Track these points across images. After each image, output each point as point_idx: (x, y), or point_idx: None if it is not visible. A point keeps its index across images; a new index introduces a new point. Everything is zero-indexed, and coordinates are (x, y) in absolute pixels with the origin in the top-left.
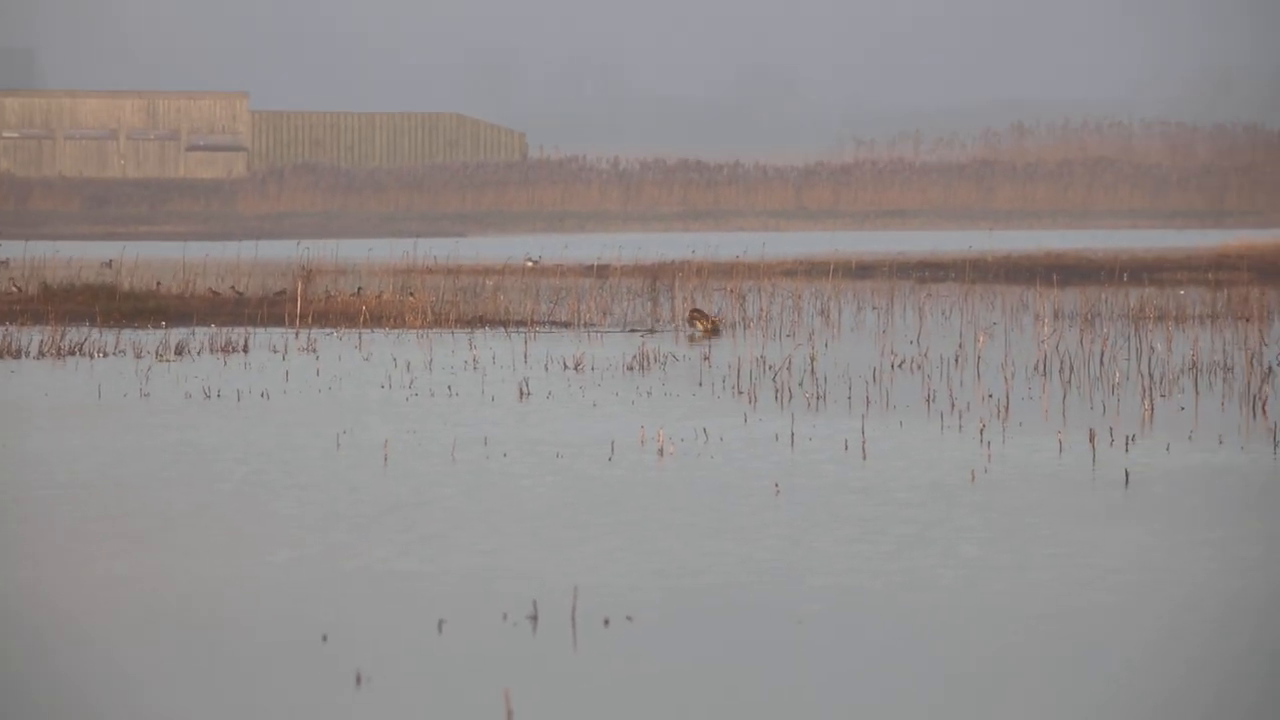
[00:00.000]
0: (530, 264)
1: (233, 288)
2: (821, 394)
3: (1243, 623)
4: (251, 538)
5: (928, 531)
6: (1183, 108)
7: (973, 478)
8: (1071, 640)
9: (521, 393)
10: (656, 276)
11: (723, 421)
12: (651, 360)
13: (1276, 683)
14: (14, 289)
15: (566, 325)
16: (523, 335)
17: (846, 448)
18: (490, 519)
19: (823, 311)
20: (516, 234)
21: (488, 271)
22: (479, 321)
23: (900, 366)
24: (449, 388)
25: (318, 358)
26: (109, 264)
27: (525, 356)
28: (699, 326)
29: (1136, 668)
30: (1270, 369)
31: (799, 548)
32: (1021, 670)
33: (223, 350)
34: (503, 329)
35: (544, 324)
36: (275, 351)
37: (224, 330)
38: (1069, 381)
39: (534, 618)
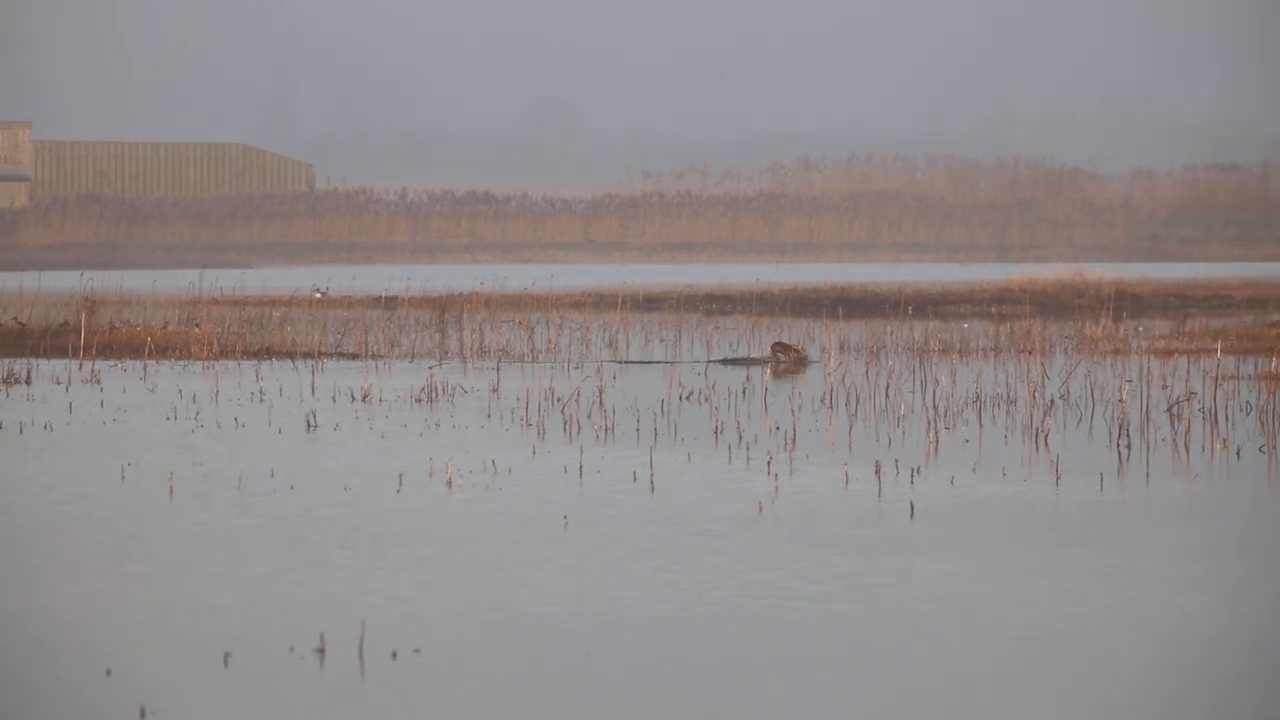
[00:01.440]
0: (318, 295)
1: (15, 319)
2: (610, 426)
3: (1032, 649)
4: (34, 571)
5: (715, 562)
6: (966, 143)
7: (760, 509)
8: (883, 663)
9: (309, 424)
10: (445, 308)
11: (511, 454)
12: (440, 392)
13: (1069, 699)
14: None
15: (354, 357)
16: (310, 367)
17: (635, 479)
18: (278, 552)
19: (611, 343)
20: (304, 265)
21: (275, 303)
22: (266, 353)
23: (688, 398)
24: (235, 420)
25: (102, 389)
26: None
27: (313, 388)
28: (785, 358)
29: (943, 688)
30: (1052, 402)
31: (587, 580)
32: (831, 696)
33: (4, 381)
34: (290, 360)
35: (332, 355)
36: (59, 383)
37: (5, 361)
38: (855, 414)
39: (321, 651)
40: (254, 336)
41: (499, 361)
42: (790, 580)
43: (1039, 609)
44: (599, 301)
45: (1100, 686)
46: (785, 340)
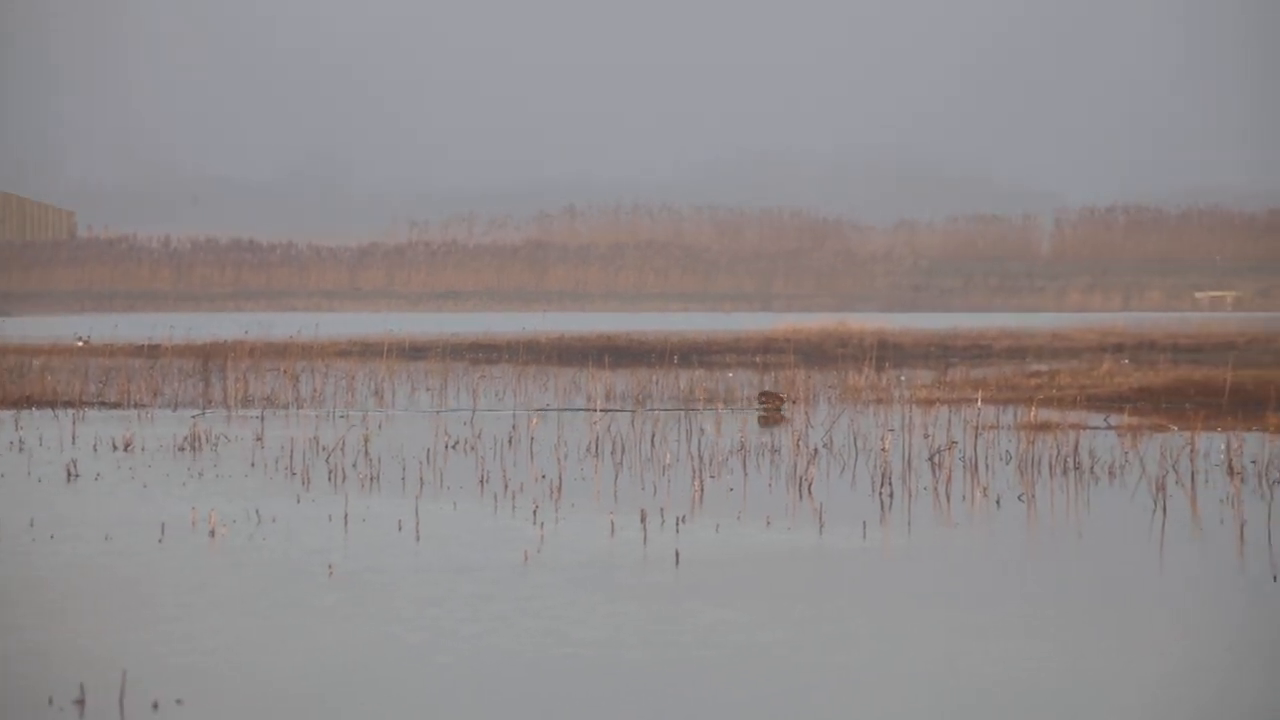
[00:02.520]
0: (79, 343)
1: None
2: (375, 475)
3: (806, 693)
4: None
5: (492, 610)
6: (732, 194)
7: (526, 558)
8: (670, 707)
9: (69, 474)
10: (208, 356)
11: (276, 502)
12: (203, 440)
13: None
14: None
15: (116, 405)
16: (71, 415)
17: (400, 528)
18: (36, 601)
19: (377, 392)
20: (65, 313)
21: (35, 351)
22: (25, 402)
23: (454, 447)
24: None
25: None
26: None
27: (73, 437)
28: (769, 406)
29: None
30: (816, 451)
31: (350, 628)
32: None
33: None
34: (50, 409)
35: (93, 404)
36: None
37: None
38: (620, 462)
39: (80, 702)
40: (13, 385)
41: (263, 410)
42: (569, 627)
43: (811, 654)
44: (364, 350)
45: None
46: (771, 390)
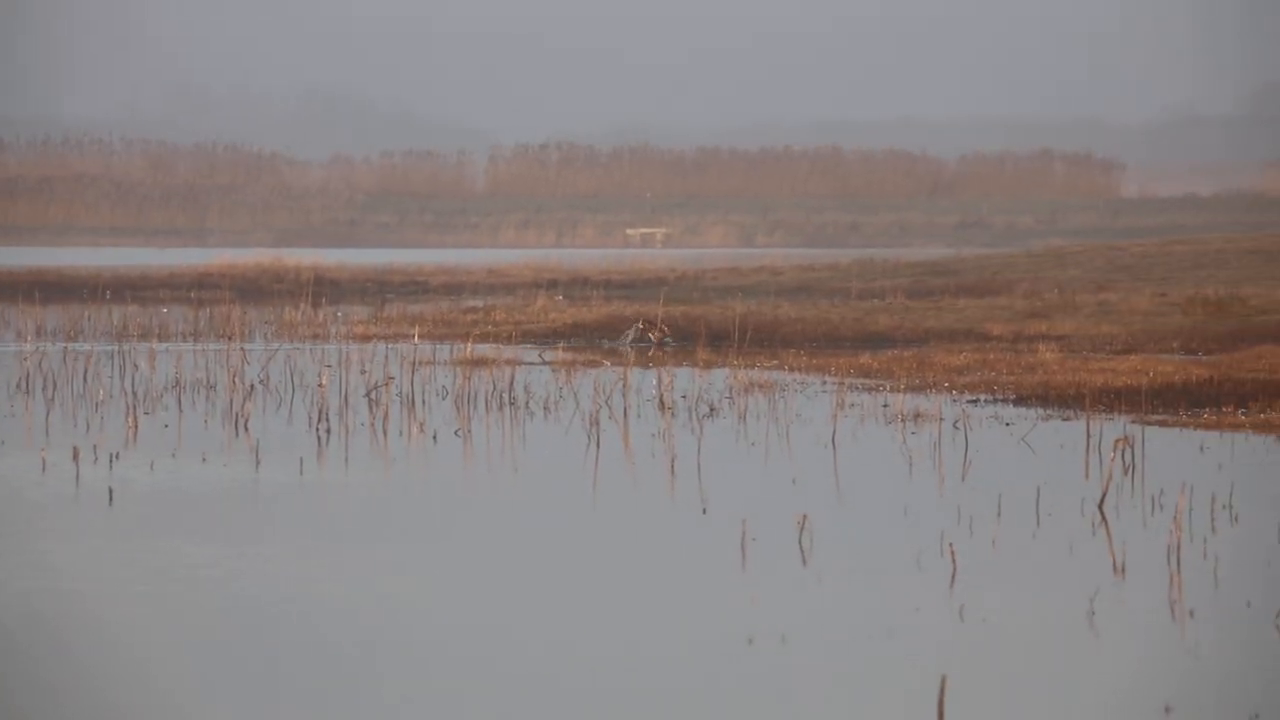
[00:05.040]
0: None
1: None
2: None
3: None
4: None
5: None
6: (163, 127)
7: None
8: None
9: None
10: None
11: None
12: None
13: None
14: None
15: None
16: None
17: None
18: None
19: None
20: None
21: None
22: None
23: None
24: None
25: None
26: None
27: None
28: (652, 336)
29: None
30: (252, 387)
31: None
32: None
33: None
34: None
35: None
36: None
37: None
38: (52, 399)
39: None
40: None
41: None
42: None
43: (250, 581)
44: None
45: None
46: (651, 320)
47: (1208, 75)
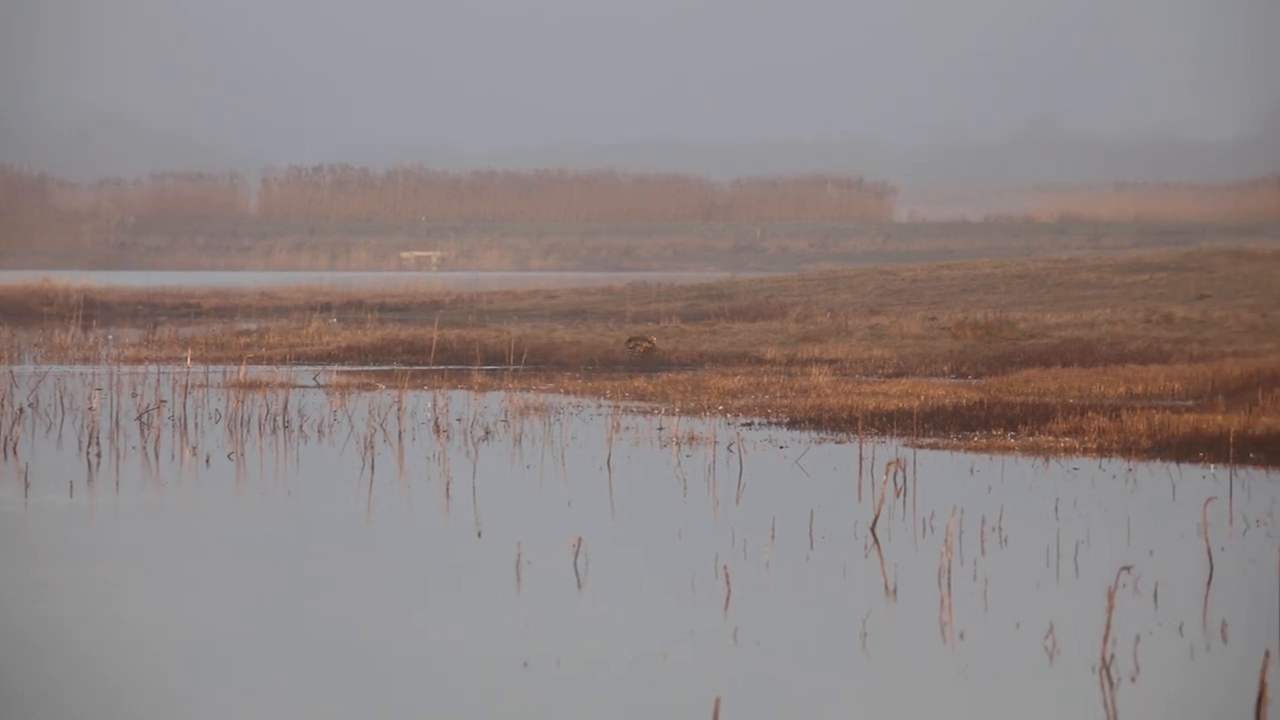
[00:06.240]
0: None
1: None
2: None
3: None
4: None
5: None
6: None
7: None
8: None
9: None
10: None
11: None
12: None
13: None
14: None
15: None
16: None
17: None
18: None
19: None
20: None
21: None
22: None
23: None
24: None
25: None
26: None
27: None
28: (640, 348)
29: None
30: (21, 410)
31: None
32: None
33: None
34: None
35: None
36: None
37: None
38: None
39: None
40: None
41: None
42: None
43: (15, 607)
44: None
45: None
46: (639, 335)
47: (978, 101)
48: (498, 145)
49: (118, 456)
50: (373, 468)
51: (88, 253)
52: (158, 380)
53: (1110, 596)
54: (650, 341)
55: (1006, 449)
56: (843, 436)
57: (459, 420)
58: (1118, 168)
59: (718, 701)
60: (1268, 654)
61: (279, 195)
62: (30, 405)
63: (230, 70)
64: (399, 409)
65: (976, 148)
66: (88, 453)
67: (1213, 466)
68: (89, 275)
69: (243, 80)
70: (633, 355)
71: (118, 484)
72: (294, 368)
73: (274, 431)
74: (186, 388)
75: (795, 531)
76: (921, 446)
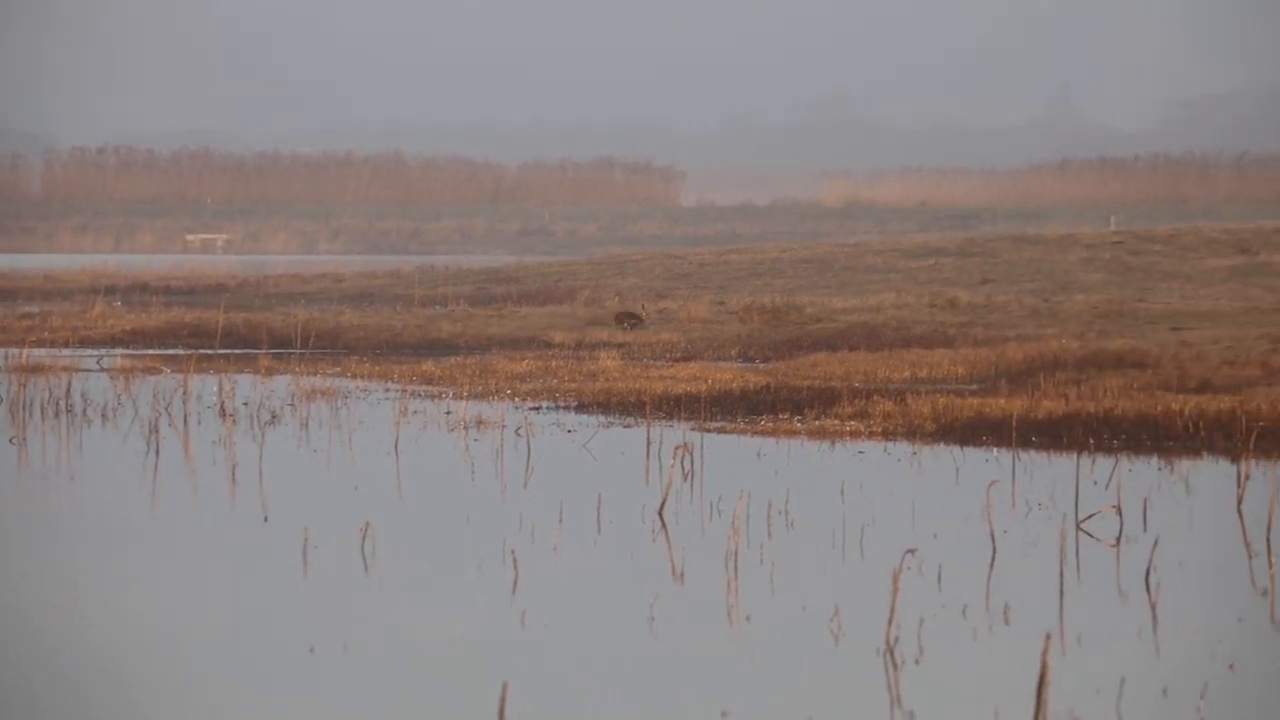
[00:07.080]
0: None
1: None
2: None
3: None
4: None
5: None
6: None
7: None
8: None
9: None
10: None
11: None
12: None
13: None
14: None
15: None
16: None
17: None
18: None
19: None
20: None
21: None
22: None
23: None
24: None
25: None
26: None
27: None
28: (626, 324)
29: None
30: None
31: None
32: None
33: None
34: None
35: None
36: None
37: None
38: None
39: None
40: None
41: None
42: None
43: None
44: None
45: None
46: (628, 311)
47: (766, 86)
48: (283, 128)
49: None
50: (158, 452)
51: None
52: None
53: (895, 579)
54: (638, 316)
55: (793, 433)
56: (630, 420)
57: (245, 404)
58: (904, 153)
59: (505, 686)
60: (1048, 636)
61: (62, 176)
62: None
63: (12, 51)
64: (184, 393)
65: (764, 131)
66: None
67: (996, 450)
68: None
69: (27, 61)
70: (622, 330)
71: None
72: (78, 351)
73: (57, 415)
74: None
75: (583, 515)
76: (709, 430)
